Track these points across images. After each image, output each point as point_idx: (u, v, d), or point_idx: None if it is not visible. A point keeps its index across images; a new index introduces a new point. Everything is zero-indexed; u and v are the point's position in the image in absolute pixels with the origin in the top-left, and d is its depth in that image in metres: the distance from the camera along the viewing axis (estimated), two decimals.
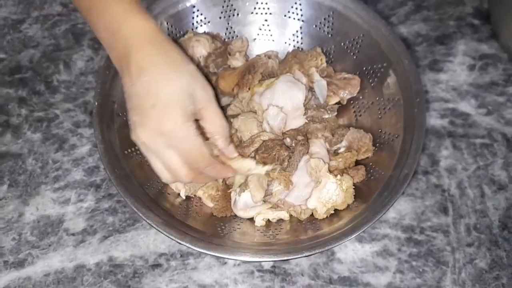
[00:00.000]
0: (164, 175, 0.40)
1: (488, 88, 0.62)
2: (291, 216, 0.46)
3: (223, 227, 0.44)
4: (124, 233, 0.50)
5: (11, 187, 0.53)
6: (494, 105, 0.61)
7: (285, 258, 0.38)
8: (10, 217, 0.51)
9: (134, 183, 0.42)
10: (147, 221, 0.38)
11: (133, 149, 0.45)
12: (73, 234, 0.50)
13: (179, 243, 0.38)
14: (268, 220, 0.45)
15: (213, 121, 0.40)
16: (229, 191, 0.47)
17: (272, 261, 0.45)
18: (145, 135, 0.37)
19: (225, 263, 0.49)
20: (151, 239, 0.50)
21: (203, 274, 0.48)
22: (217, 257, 0.48)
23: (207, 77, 0.54)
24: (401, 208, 0.53)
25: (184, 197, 0.47)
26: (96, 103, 0.43)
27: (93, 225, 0.51)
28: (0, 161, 0.55)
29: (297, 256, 0.37)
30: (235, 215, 0.46)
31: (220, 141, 0.41)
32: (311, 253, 0.37)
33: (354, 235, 0.38)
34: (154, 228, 0.39)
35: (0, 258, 0.49)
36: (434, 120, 0.59)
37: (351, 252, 0.50)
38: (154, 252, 0.49)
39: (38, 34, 0.65)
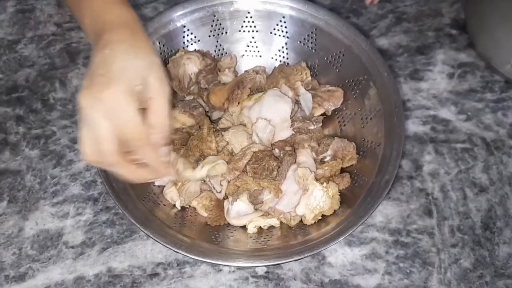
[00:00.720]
0: (86, 148, 0.37)
1: (467, 95, 0.65)
2: (281, 223, 0.48)
3: (217, 235, 0.46)
4: (122, 245, 0.52)
5: (10, 203, 0.55)
6: (473, 111, 0.63)
7: (277, 262, 0.40)
8: (10, 232, 0.53)
9: (131, 196, 0.43)
10: (145, 231, 0.40)
11: None
12: (72, 247, 0.52)
13: (176, 251, 0.40)
14: (260, 227, 0.47)
15: (158, 115, 0.38)
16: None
17: (264, 265, 0.46)
18: (85, 99, 0.36)
19: (220, 270, 0.50)
20: (148, 249, 0.52)
21: (199, 281, 0.49)
22: (213, 265, 0.50)
23: (198, 94, 0.57)
24: (388, 212, 0.55)
25: (179, 208, 0.49)
26: None
27: (91, 237, 0.52)
28: None
29: (287, 260, 0.39)
30: (228, 224, 0.48)
31: (156, 136, 0.39)
32: (300, 257, 0.39)
33: (341, 239, 0.40)
34: (152, 238, 0.40)
35: (1, 273, 0.50)
36: (416, 127, 0.62)
37: (341, 256, 0.52)
38: (152, 261, 0.51)
39: (33, 53, 0.67)
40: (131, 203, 0.43)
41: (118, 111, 0.36)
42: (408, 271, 0.51)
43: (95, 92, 0.36)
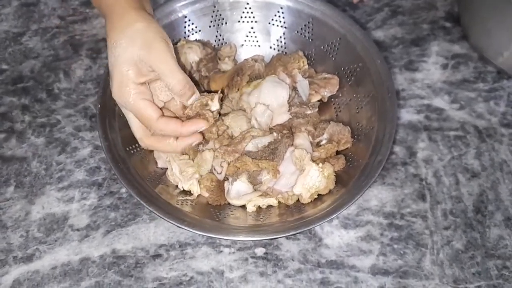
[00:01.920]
0: (137, 136, 0.46)
1: (460, 85, 0.66)
2: (279, 202, 0.49)
3: (219, 214, 0.47)
4: (125, 227, 0.53)
5: (17, 188, 0.56)
6: (466, 100, 0.65)
7: (275, 236, 0.42)
8: (17, 216, 0.54)
9: (136, 177, 0.45)
10: (150, 209, 0.42)
11: (134, 146, 0.49)
12: (77, 230, 0.53)
13: (179, 227, 0.41)
14: (259, 206, 0.49)
15: (169, 74, 0.42)
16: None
17: (263, 239, 0.48)
18: (115, 99, 0.44)
19: (221, 251, 0.52)
20: (151, 232, 0.53)
21: (200, 262, 0.51)
22: (213, 246, 0.52)
23: (199, 81, 0.59)
24: (382, 197, 0.57)
25: (181, 189, 0.50)
26: (99, 105, 0.47)
27: (96, 220, 0.54)
28: (6, 164, 0.58)
29: (285, 235, 0.41)
30: (229, 203, 0.50)
31: (177, 96, 0.44)
32: (297, 231, 0.40)
33: (335, 215, 0.42)
34: (156, 215, 0.42)
35: (9, 254, 0.52)
36: (411, 116, 0.63)
37: (337, 238, 0.53)
38: (154, 243, 0.52)
39: (38, 45, 0.68)
40: (136, 182, 0.44)
41: (123, 105, 0.43)
42: (402, 252, 0.53)
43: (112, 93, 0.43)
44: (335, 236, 0.53)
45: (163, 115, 0.43)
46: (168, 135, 0.45)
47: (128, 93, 0.41)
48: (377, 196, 0.57)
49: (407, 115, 0.63)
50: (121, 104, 0.42)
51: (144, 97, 0.42)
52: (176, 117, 0.46)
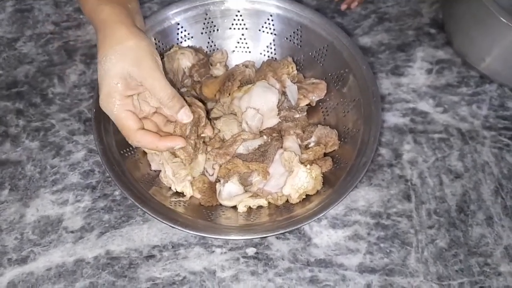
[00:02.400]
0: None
1: (444, 89, 0.68)
2: (269, 203, 0.51)
3: (210, 214, 0.49)
4: (119, 229, 0.54)
5: (12, 191, 0.57)
6: (449, 104, 0.67)
7: (264, 235, 0.43)
8: (12, 219, 0.55)
9: (130, 179, 0.46)
10: (144, 209, 0.43)
11: (127, 149, 0.50)
12: (72, 232, 0.54)
13: (172, 227, 0.43)
14: (249, 207, 0.50)
15: (159, 89, 0.44)
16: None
17: (253, 238, 0.49)
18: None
19: (213, 252, 0.53)
20: (144, 233, 0.54)
21: (193, 262, 0.52)
22: (205, 247, 0.53)
23: (191, 86, 0.60)
24: (369, 197, 0.58)
25: (174, 190, 0.52)
26: (94, 110, 0.48)
27: (90, 222, 0.55)
28: (1, 168, 0.59)
29: (275, 233, 0.43)
30: (220, 204, 0.51)
31: (167, 109, 0.45)
32: (286, 230, 0.42)
33: (323, 214, 0.44)
34: (150, 215, 0.43)
35: (4, 256, 0.52)
36: (396, 119, 0.65)
37: (326, 238, 0.55)
38: (148, 244, 0.53)
39: (32, 51, 0.69)
40: (131, 184, 0.46)
41: (108, 113, 0.45)
42: (388, 250, 0.55)
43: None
44: (323, 236, 0.55)
45: (143, 128, 0.46)
46: (144, 147, 0.47)
47: (113, 104, 0.44)
48: (364, 196, 0.58)
49: (393, 118, 0.65)
50: (105, 112, 0.45)
51: (127, 109, 0.44)
52: (156, 132, 0.48)
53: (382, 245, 0.55)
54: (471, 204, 0.59)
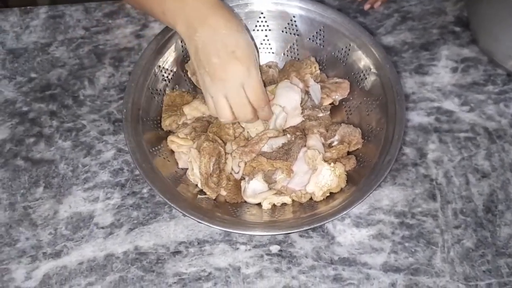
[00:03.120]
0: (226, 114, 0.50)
1: (470, 88, 0.67)
2: (293, 200, 0.51)
3: (236, 211, 0.50)
4: (147, 225, 0.56)
5: (46, 188, 0.60)
6: (476, 102, 0.66)
7: (289, 231, 0.44)
8: (46, 215, 0.58)
9: (159, 176, 0.48)
10: (173, 205, 0.45)
11: (156, 147, 0.52)
12: (102, 228, 0.56)
13: (200, 222, 0.44)
14: (274, 204, 0.51)
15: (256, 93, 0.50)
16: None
17: (278, 234, 0.50)
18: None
19: (237, 248, 0.54)
20: (171, 230, 0.56)
21: (218, 258, 0.53)
22: (230, 243, 0.54)
23: None
24: (394, 196, 0.58)
25: (200, 188, 0.53)
26: (125, 110, 0.50)
27: (119, 219, 0.57)
28: (35, 166, 0.62)
29: (299, 230, 0.43)
30: (245, 201, 0.52)
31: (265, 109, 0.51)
32: (310, 226, 0.43)
33: (347, 211, 0.44)
34: (178, 211, 0.45)
35: (39, 250, 0.55)
36: (421, 118, 0.65)
37: (350, 236, 0.55)
38: (175, 241, 0.55)
39: (64, 55, 0.72)
40: (160, 181, 0.47)
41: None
42: (413, 250, 0.54)
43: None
44: (347, 235, 0.55)
45: None
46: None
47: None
48: (388, 196, 0.58)
49: (417, 117, 0.65)
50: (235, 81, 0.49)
51: None
52: None
53: (407, 244, 0.55)
54: (499, 204, 0.58)
